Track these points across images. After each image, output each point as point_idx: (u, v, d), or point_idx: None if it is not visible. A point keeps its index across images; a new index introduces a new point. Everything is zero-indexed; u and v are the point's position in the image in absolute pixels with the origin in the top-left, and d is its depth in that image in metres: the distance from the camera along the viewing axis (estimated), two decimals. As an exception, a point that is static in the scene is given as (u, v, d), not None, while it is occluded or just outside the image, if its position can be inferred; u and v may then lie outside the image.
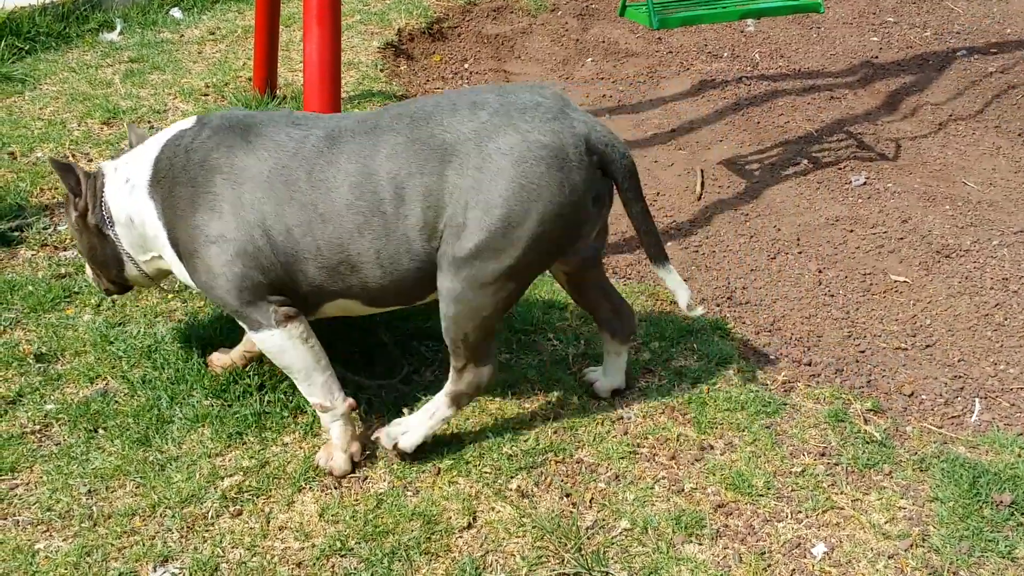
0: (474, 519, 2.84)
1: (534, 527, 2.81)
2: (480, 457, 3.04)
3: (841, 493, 2.97)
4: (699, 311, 3.06)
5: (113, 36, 5.80)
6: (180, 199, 2.76)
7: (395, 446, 2.97)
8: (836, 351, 3.86)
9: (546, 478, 2.99)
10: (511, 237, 2.66)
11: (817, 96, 6.17)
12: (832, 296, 4.29)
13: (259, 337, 2.82)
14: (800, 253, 4.62)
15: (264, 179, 2.71)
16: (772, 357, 3.71)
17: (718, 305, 4.18)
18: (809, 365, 3.72)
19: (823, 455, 3.11)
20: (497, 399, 3.28)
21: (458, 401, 2.97)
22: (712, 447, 3.13)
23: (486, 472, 2.99)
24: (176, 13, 6.18)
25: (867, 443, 3.16)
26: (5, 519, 2.78)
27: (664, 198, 5.12)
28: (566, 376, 3.39)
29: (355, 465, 2.98)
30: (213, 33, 5.98)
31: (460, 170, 2.64)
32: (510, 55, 6.41)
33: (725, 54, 6.67)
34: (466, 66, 6.17)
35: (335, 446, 2.95)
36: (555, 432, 3.17)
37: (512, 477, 2.98)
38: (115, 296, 3.46)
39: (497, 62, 6.29)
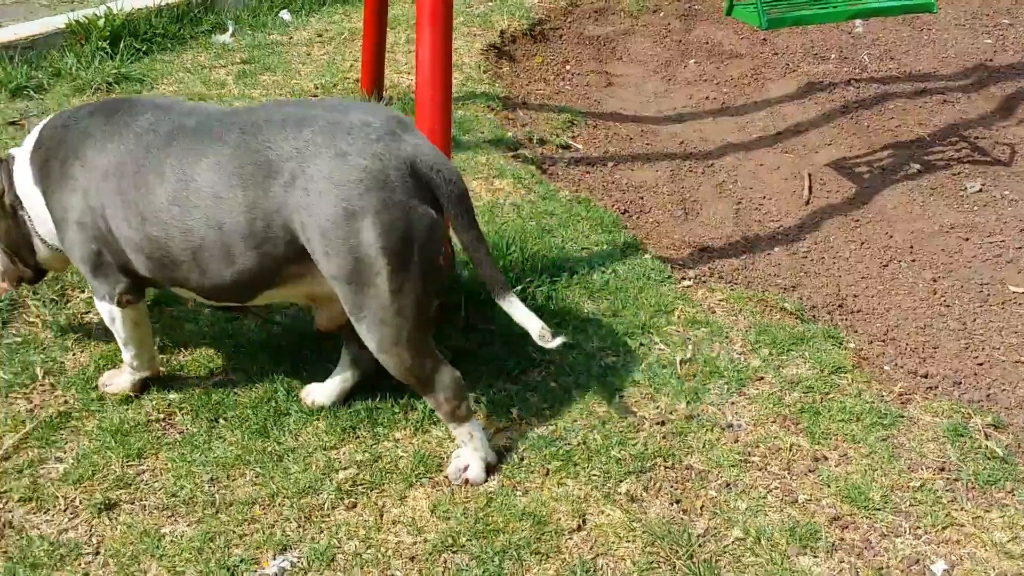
0: (583, 522, 2.84)
1: (644, 532, 2.80)
2: (588, 460, 3.04)
3: (961, 510, 2.90)
4: (556, 342, 2.85)
5: (225, 38, 5.95)
6: (51, 174, 2.99)
7: (466, 481, 2.97)
8: (954, 363, 3.76)
9: (655, 483, 2.98)
10: (362, 258, 2.67)
11: (929, 99, 6.02)
12: (948, 306, 4.18)
13: (98, 304, 3.11)
14: (913, 261, 4.52)
15: (105, 171, 2.88)
16: (887, 368, 3.64)
17: (829, 313, 4.11)
18: (926, 377, 3.64)
19: (942, 470, 3.04)
20: (604, 403, 3.28)
21: (455, 415, 2.94)
22: (826, 458, 3.08)
23: (594, 475, 2.99)
24: (285, 16, 6.31)
25: (988, 459, 3.08)
26: (133, 503, 2.88)
27: (770, 202, 5.06)
28: (673, 381, 3.37)
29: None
30: (320, 35, 6.09)
31: (286, 187, 2.69)
32: (611, 56, 6.40)
33: (832, 56, 6.55)
34: (568, 67, 6.17)
35: (119, 375, 3.26)
36: (663, 438, 3.15)
37: (621, 481, 2.97)
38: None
39: (598, 63, 6.28)
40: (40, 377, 3.32)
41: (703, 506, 2.91)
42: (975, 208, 4.93)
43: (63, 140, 2.98)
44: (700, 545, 2.76)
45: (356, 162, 2.65)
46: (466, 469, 2.97)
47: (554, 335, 2.84)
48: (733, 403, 3.31)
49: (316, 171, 2.66)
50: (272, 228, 2.73)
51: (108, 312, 3.09)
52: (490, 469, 2.99)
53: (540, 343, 2.84)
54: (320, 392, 3.22)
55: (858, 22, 6.96)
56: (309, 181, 2.66)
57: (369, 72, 5.08)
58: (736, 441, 3.15)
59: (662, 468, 3.04)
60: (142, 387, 3.26)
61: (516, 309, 2.88)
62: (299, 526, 2.82)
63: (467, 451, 2.98)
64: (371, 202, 2.64)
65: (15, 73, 5.22)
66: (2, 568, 2.67)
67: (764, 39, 6.67)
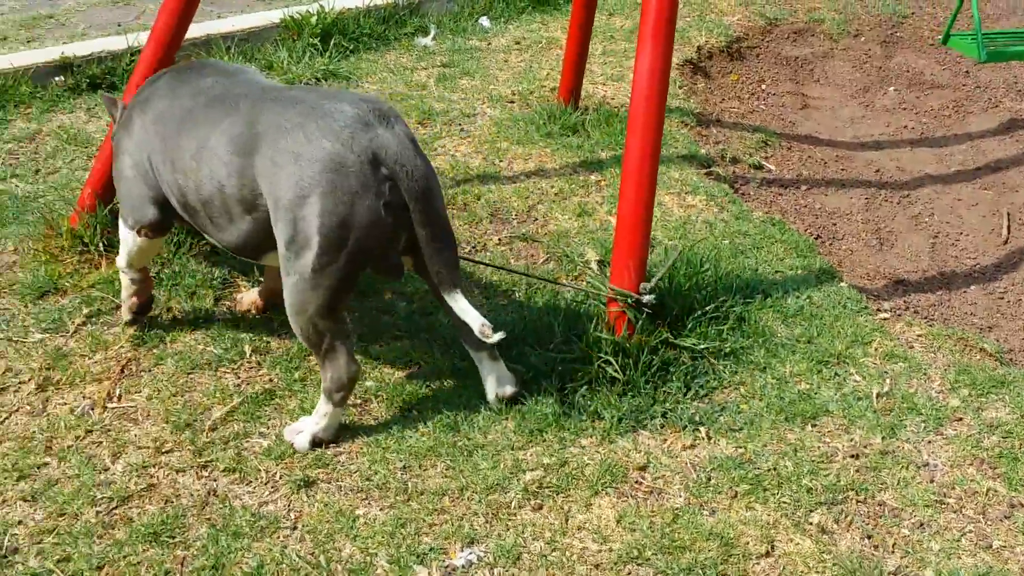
0: (772, 548, 2.80)
1: (835, 564, 2.74)
2: (778, 486, 3.00)
3: None
4: (496, 337, 2.91)
5: (427, 41, 6.12)
6: (126, 114, 3.38)
7: (291, 445, 3.13)
8: None
9: (847, 517, 2.91)
10: (301, 231, 2.87)
11: None
12: None
13: (120, 225, 3.40)
14: (1126, 310, 4.26)
15: (157, 118, 3.21)
16: (1096, 421, 3.44)
17: (1031, 358, 3.92)
18: None
19: None
20: (796, 431, 3.22)
21: (330, 395, 3.07)
22: (1023, 505, 2.95)
23: (784, 502, 2.94)
24: (484, 22, 6.45)
25: None
26: (329, 483, 3.00)
27: (967, 238, 4.87)
28: (869, 414, 3.29)
29: None
30: (519, 43, 6.20)
31: (261, 159, 2.93)
32: (809, 78, 6.28)
33: (1040, 92, 6.24)
34: (763, 87, 6.09)
35: (123, 298, 3.55)
36: (856, 471, 3.07)
37: (812, 511, 2.92)
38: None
39: (795, 84, 6.17)
40: (248, 355, 3.50)
41: (895, 544, 2.82)
42: None
43: (143, 90, 3.38)
44: (893, 585, 2.68)
45: (319, 143, 2.85)
46: (299, 433, 3.13)
47: (494, 331, 2.91)
48: (930, 442, 3.20)
49: (284, 146, 2.89)
50: (256, 195, 2.98)
51: (123, 235, 3.40)
52: (318, 443, 3.10)
53: (481, 338, 2.93)
54: (491, 391, 3.28)
55: (1070, 58, 6.62)
56: (277, 154, 2.90)
57: (569, 81, 5.14)
58: (931, 481, 3.04)
59: (854, 502, 2.96)
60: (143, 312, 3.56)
61: (458, 302, 2.99)
62: (487, 521, 2.88)
63: (311, 421, 3.13)
64: (321, 182, 2.83)
65: (231, 63, 5.51)
66: (206, 534, 2.82)
67: (967, 71, 6.42)
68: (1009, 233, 4.92)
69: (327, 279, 2.92)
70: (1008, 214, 5.04)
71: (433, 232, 2.97)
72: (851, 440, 3.19)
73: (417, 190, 2.91)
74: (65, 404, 3.25)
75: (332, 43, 5.80)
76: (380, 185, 2.87)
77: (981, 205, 5.15)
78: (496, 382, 3.25)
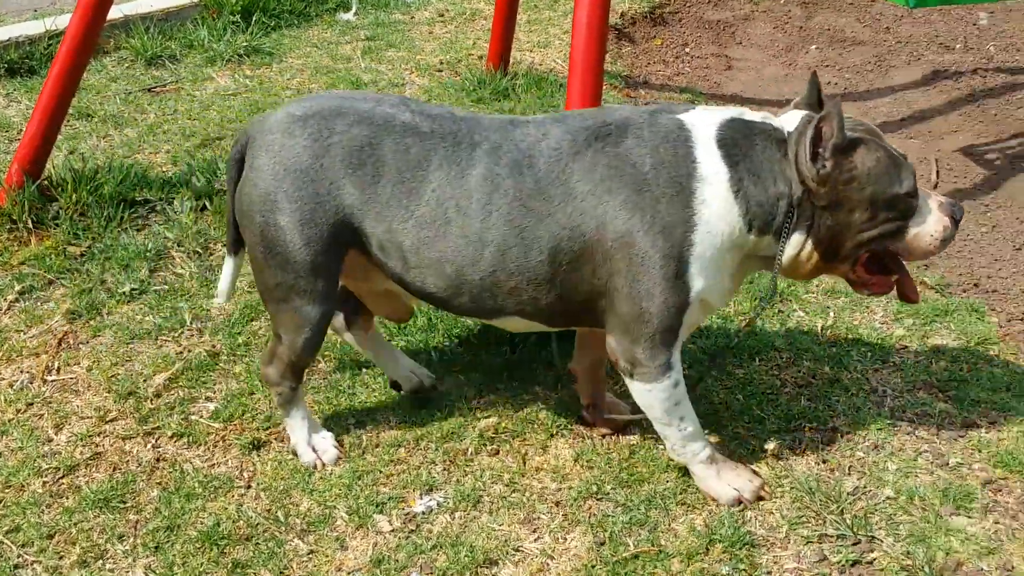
0: (730, 476, 2.82)
1: (792, 488, 2.76)
2: (732, 419, 3.02)
3: (1122, 480, 2.80)
4: (220, 300, 2.98)
5: (349, 16, 6.06)
6: None
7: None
8: (1100, 342, 3.64)
9: (801, 443, 2.94)
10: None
11: (1059, 89, 5.84)
12: (1088, 288, 4.05)
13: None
14: (1049, 245, 4.38)
15: None
16: (1031, 343, 3.53)
17: (964, 291, 4.00)
18: (1072, 354, 3.52)
19: (1100, 441, 2.95)
20: (744, 364, 3.25)
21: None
22: (977, 425, 3.00)
23: (738, 432, 2.97)
24: (407, -4, 6.40)
25: None
26: (282, 442, 2.94)
27: (896, 186, 4.96)
28: (815, 347, 3.33)
29: None
30: (442, 15, 6.16)
31: None
32: (731, 41, 6.35)
33: (957, 46, 6.40)
34: (687, 50, 6.14)
35: None
36: (807, 400, 3.11)
37: (766, 440, 2.93)
38: None
39: (718, 47, 6.23)
40: (188, 323, 3.42)
41: (851, 466, 2.86)
42: (1113, 194, 4.76)
43: None
44: (851, 502, 2.71)
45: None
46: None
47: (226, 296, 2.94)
48: (877, 370, 3.25)
49: None
50: None
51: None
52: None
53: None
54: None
55: (983, 14, 6.81)
56: None
57: (497, 46, 5.12)
58: (883, 406, 3.09)
59: (807, 430, 2.99)
60: None
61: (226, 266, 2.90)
62: (444, 469, 2.85)
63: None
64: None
65: (151, 43, 5.39)
66: (158, 497, 2.75)
67: (887, 28, 6.56)
68: (938, 177, 5.02)
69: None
70: (936, 160, 5.15)
71: None
72: (799, 371, 3.23)
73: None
74: (3, 379, 3.14)
75: (253, 20, 5.70)
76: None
77: (909, 153, 5.15)
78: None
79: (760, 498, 2.73)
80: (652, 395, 2.63)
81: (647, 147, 2.53)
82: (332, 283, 2.67)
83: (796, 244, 2.57)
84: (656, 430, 2.75)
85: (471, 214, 2.53)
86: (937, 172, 5.04)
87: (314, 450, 2.88)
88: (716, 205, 2.51)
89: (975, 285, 4.10)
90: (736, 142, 2.55)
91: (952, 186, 4.90)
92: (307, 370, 3.02)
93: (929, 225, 2.62)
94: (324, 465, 2.86)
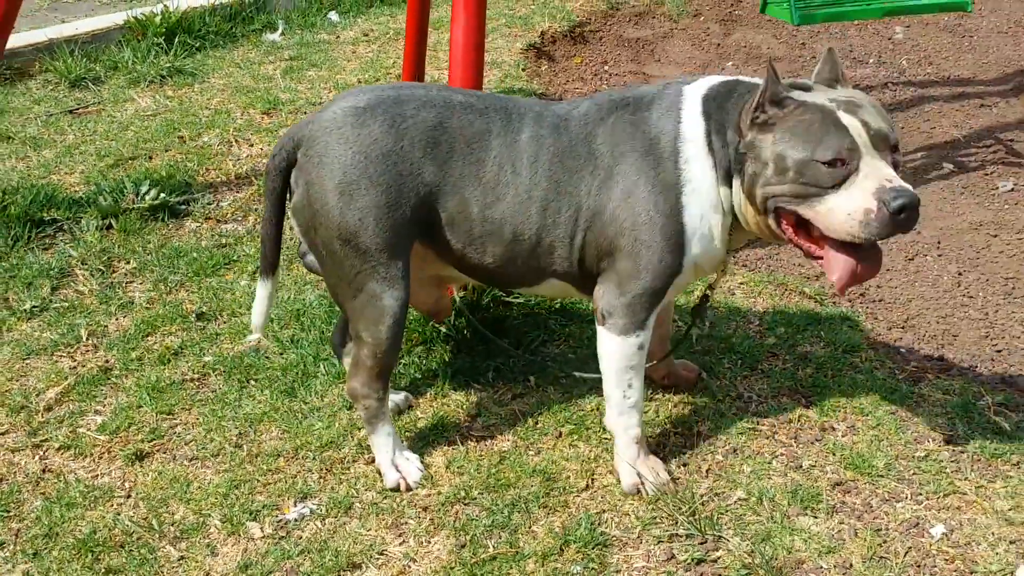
0: (592, 480, 2.95)
1: (651, 489, 2.89)
2: (600, 425, 3.14)
3: (965, 479, 2.95)
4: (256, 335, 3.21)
5: (275, 36, 6.18)
6: None
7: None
8: (971, 349, 3.80)
9: (665, 447, 3.07)
10: None
11: (966, 104, 6.04)
12: (971, 298, 4.21)
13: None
14: (940, 256, 4.54)
15: None
16: (903, 351, 3.69)
17: (849, 301, 4.16)
18: (941, 360, 3.68)
19: (948, 442, 3.09)
20: (621, 373, 3.38)
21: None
22: (834, 428, 3.15)
23: (605, 438, 3.09)
24: (333, 16, 6.53)
25: (996, 433, 3.13)
26: (164, 453, 3.04)
27: (800, 199, 5.11)
28: (687, 355, 3.47)
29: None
30: (367, 35, 6.29)
31: None
32: (650, 58, 6.51)
33: (871, 60, 6.60)
34: (606, 68, 6.30)
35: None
36: (674, 406, 3.24)
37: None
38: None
39: (637, 65, 6.40)
40: (84, 339, 3.52)
41: (708, 469, 2.99)
42: (1006, 206, 4.94)
43: None
44: (703, 503, 2.85)
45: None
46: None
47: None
48: (745, 377, 3.39)
49: None
50: None
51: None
52: None
53: None
54: None
55: (898, 28, 7.01)
56: None
57: (411, 68, 5.24)
58: (746, 411, 3.23)
59: (672, 434, 3.13)
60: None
61: None
62: (320, 477, 2.96)
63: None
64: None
65: (75, 65, 5.49)
66: (40, 507, 2.84)
67: (803, 44, 6.74)
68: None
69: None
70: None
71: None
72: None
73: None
74: None
75: (177, 41, 5.80)
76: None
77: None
78: None
79: (660, 495, 2.86)
80: (615, 346, 2.81)
81: (655, 115, 2.76)
82: (406, 269, 2.79)
83: (737, 189, 2.73)
84: (603, 390, 2.91)
85: (522, 172, 2.77)
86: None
87: (398, 470, 2.95)
88: (697, 163, 2.72)
89: (862, 295, 4.26)
90: (715, 100, 2.74)
91: (853, 199, 5.07)
92: (194, 387, 3.12)
93: (848, 203, 2.48)
94: (408, 488, 2.92)
